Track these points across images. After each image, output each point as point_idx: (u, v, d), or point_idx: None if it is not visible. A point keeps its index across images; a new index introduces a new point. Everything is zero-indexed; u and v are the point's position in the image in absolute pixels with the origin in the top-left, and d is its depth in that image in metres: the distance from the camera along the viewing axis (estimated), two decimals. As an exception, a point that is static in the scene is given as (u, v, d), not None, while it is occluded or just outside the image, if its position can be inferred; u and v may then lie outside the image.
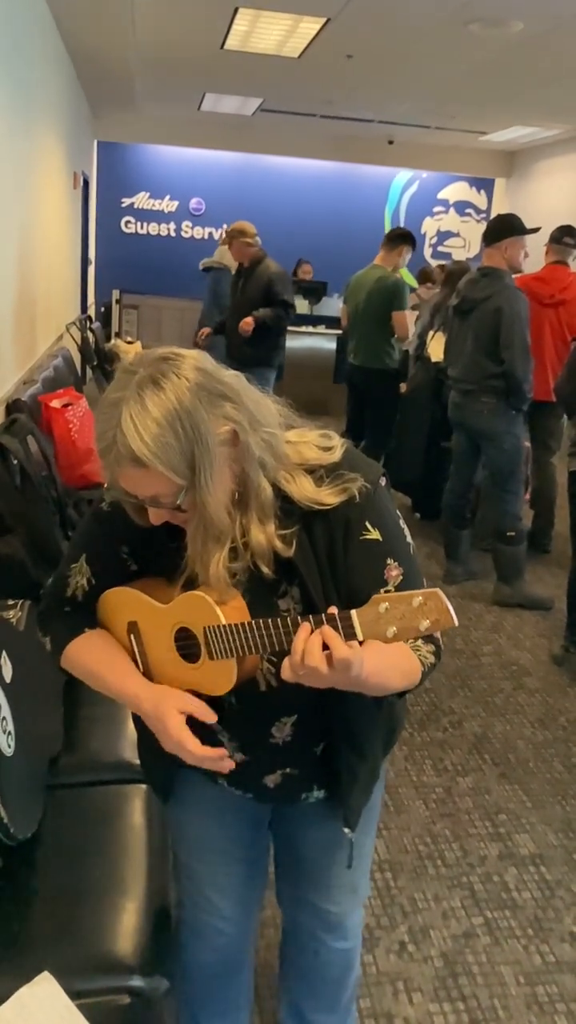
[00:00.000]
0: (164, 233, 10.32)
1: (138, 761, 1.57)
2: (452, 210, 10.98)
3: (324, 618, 1.03)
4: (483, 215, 10.86)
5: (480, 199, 10.98)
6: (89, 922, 1.50)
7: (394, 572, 1.19)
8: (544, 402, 4.32)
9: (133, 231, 10.36)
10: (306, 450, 1.20)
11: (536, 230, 4.05)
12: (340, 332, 7.01)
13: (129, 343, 7.15)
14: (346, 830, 1.36)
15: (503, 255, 4.00)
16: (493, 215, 9.57)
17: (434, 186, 10.86)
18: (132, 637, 1.28)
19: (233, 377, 1.15)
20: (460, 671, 3.57)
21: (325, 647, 1.01)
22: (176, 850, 1.55)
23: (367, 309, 5.14)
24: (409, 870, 2.41)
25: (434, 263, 8.69)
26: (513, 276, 4.05)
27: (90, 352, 6.45)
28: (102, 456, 1.10)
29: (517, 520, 4.16)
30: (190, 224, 10.39)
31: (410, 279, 6.79)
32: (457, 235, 11.01)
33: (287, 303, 5.46)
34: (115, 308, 9.77)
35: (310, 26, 5.35)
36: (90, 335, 6.56)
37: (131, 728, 1.61)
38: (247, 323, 5.31)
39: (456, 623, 0.97)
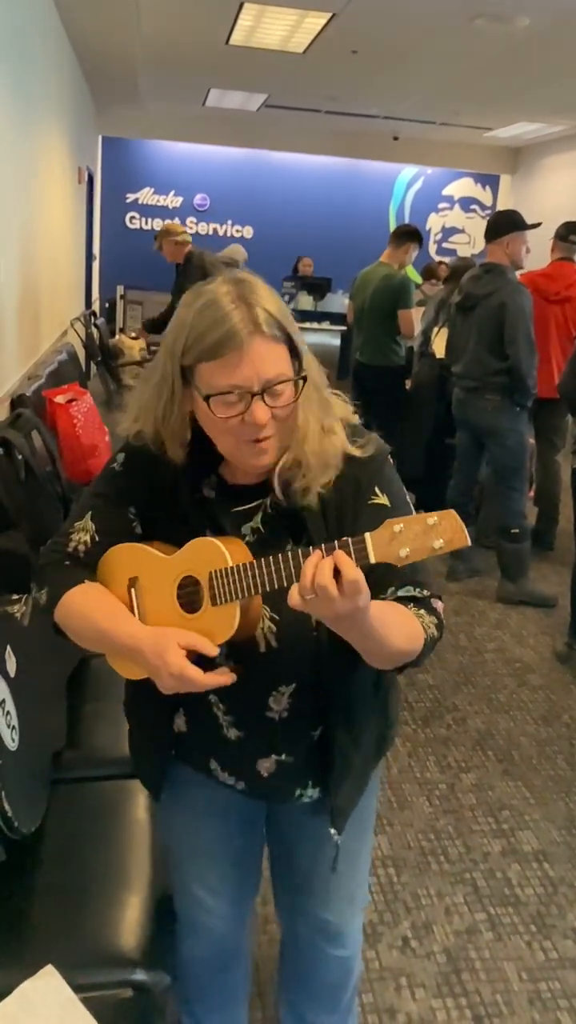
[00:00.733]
0: (169, 229, 10.32)
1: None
2: (457, 206, 10.96)
3: (336, 543, 1.02)
4: (488, 211, 10.84)
5: (485, 195, 10.96)
6: (92, 916, 1.51)
7: None
8: (549, 399, 4.31)
9: (138, 227, 10.35)
10: (338, 405, 1.25)
11: (537, 225, 4.05)
12: (344, 328, 7.00)
13: (133, 339, 7.15)
14: (332, 831, 1.33)
15: (505, 251, 4.00)
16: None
17: (439, 182, 10.84)
18: (132, 591, 1.26)
19: None
20: (463, 668, 3.57)
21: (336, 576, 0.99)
22: (167, 849, 1.54)
23: (373, 306, 5.14)
24: (412, 866, 2.41)
25: (439, 259, 8.68)
26: (517, 272, 4.05)
27: (94, 348, 6.45)
28: (220, 346, 1.09)
29: (521, 517, 4.16)
30: (195, 220, 10.38)
31: (415, 275, 6.78)
32: (462, 231, 10.99)
33: None
34: (119, 304, 9.76)
35: (315, 21, 5.34)
36: (94, 331, 6.56)
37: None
38: None
39: (470, 543, 0.96)
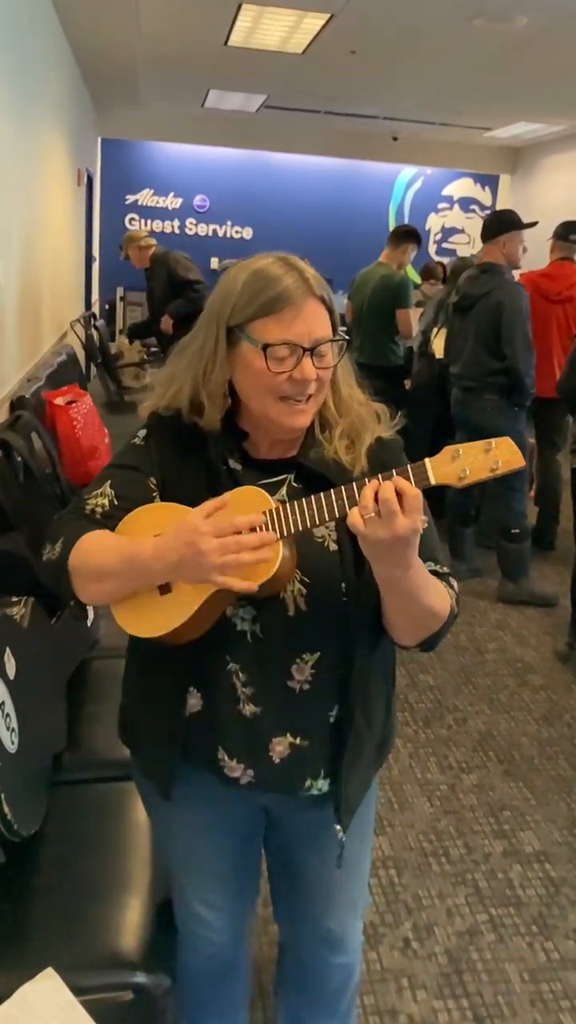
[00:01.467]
0: (168, 230, 10.30)
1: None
2: (456, 206, 10.95)
3: (393, 471, 1.06)
4: (488, 211, 10.83)
5: (485, 195, 10.95)
6: (93, 919, 1.51)
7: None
8: (549, 399, 4.31)
9: (137, 228, 10.34)
10: (358, 390, 1.31)
11: (533, 224, 4.04)
12: (344, 328, 7.00)
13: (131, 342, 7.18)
14: (337, 827, 1.31)
15: (501, 250, 4.00)
16: (498, 211, 9.54)
17: (438, 182, 10.83)
18: None
19: None
20: (464, 668, 3.56)
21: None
22: (165, 864, 1.53)
23: (372, 306, 5.14)
24: (413, 867, 2.41)
25: (438, 259, 8.68)
26: (515, 272, 4.05)
27: (94, 349, 6.45)
28: (276, 301, 1.16)
29: (522, 517, 4.15)
30: (194, 221, 10.37)
31: (414, 276, 6.78)
32: (462, 231, 10.98)
33: (191, 281, 5.69)
34: (119, 305, 9.76)
35: (314, 22, 5.33)
36: (94, 332, 6.56)
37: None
38: (166, 322, 5.57)
39: (524, 464, 1.01)
